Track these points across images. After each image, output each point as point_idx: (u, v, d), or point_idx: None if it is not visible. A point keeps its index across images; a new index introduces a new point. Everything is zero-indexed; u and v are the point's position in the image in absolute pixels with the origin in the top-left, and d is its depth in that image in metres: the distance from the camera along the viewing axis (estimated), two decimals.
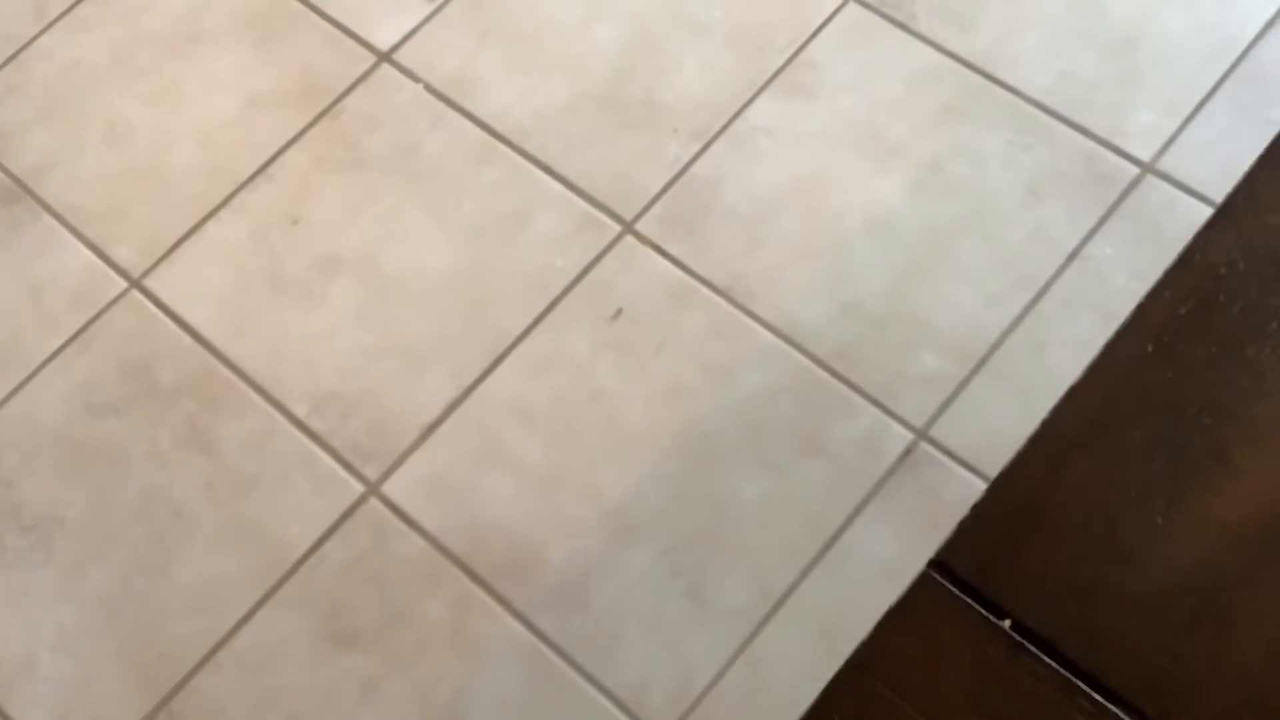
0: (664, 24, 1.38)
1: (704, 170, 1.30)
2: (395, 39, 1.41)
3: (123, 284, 1.31)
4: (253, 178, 1.35)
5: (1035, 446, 0.63)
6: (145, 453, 1.22)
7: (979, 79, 1.31)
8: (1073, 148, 1.27)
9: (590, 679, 1.10)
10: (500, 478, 1.18)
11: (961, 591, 0.61)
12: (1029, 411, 1.11)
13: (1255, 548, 0.60)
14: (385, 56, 1.40)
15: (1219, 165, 1.24)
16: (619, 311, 1.24)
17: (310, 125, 1.37)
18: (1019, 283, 1.21)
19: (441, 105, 1.37)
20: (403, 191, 1.33)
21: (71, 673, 1.14)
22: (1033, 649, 0.59)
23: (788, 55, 1.35)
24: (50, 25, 1.46)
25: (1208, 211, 1.21)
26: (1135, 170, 1.25)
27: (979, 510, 0.63)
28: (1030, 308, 1.20)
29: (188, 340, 1.27)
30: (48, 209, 1.35)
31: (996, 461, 0.99)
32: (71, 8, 1.46)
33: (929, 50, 1.33)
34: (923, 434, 1.16)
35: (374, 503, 1.18)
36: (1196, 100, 1.27)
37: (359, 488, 1.19)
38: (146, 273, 1.31)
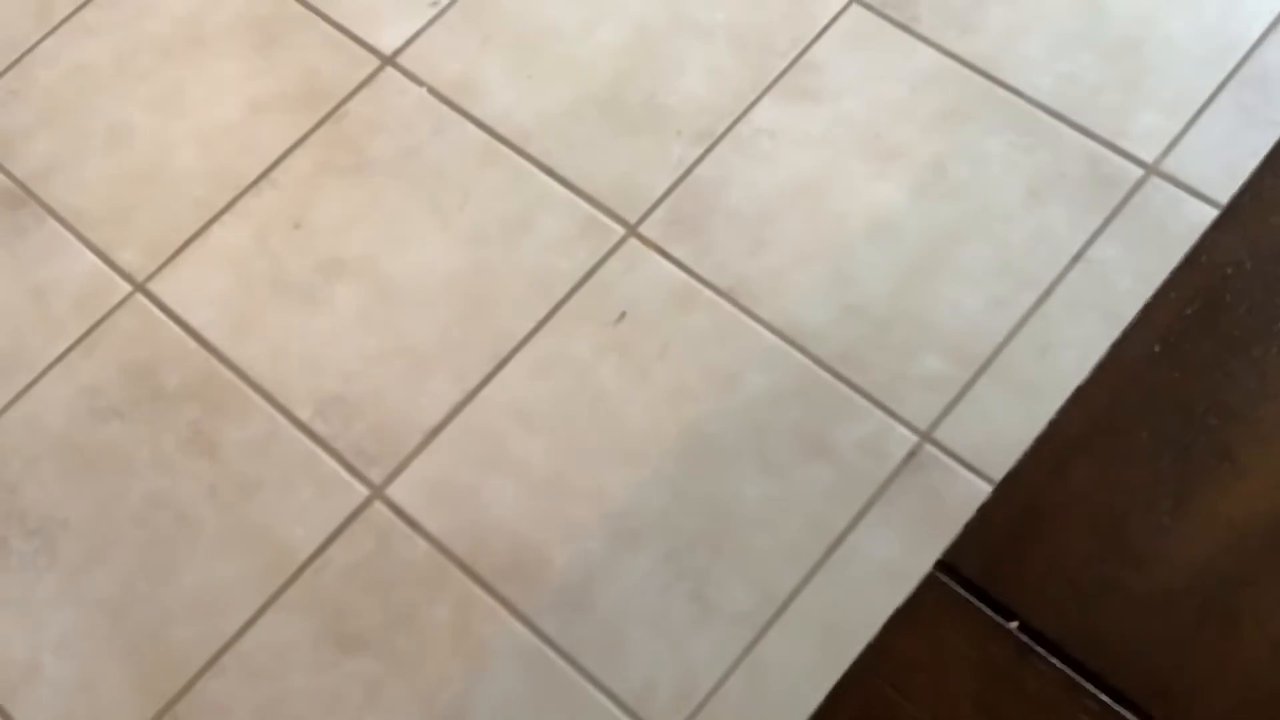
0: (666, 27, 1.38)
1: (707, 173, 1.30)
2: (398, 43, 1.41)
3: (127, 288, 1.31)
4: (256, 182, 1.35)
5: (1042, 446, 0.63)
6: (149, 456, 1.22)
7: (982, 81, 1.31)
8: (1076, 149, 1.27)
9: (594, 681, 1.10)
10: (504, 480, 1.18)
11: (968, 593, 0.61)
12: (1033, 414, 1.11)
13: (1262, 548, 0.60)
14: (388, 60, 1.40)
15: (1222, 167, 1.24)
16: (622, 314, 1.24)
17: (313, 129, 1.37)
18: (1022, 284, 1.21)
19: (445, 109, 1.37)
20: (406, 195, 1.33)
21: (75, 676, 1.14)
22: (1039, 650, 0.59)
23: (790, 58, 1.35)
24: (53, 30, 1.46)
25: (1211, 213, 1.21)
26: (1139, 172, 1.25)
27: (986, 511, 0.63)
28: (1034, 310, 1.20)
29: (191, 344, 1.27)
30: (52, 213, 1.35)
31: (1000, 464, 0.99)
32: (75, 12, 1.47)
33: (932, 52, 1.33)
34: (926, 436, 1.16)
35: (378, 506, 1.18)
36: (1200, 102, 1.27)
37: (363, 491, 1.19)
38: (150, 277, 1.31)
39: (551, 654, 1.11)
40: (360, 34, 1.42)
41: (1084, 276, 1.21)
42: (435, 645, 1.12)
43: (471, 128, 1.35)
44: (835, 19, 1.36)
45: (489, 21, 1.41)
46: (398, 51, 1.41)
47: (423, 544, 1.16)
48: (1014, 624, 0.60)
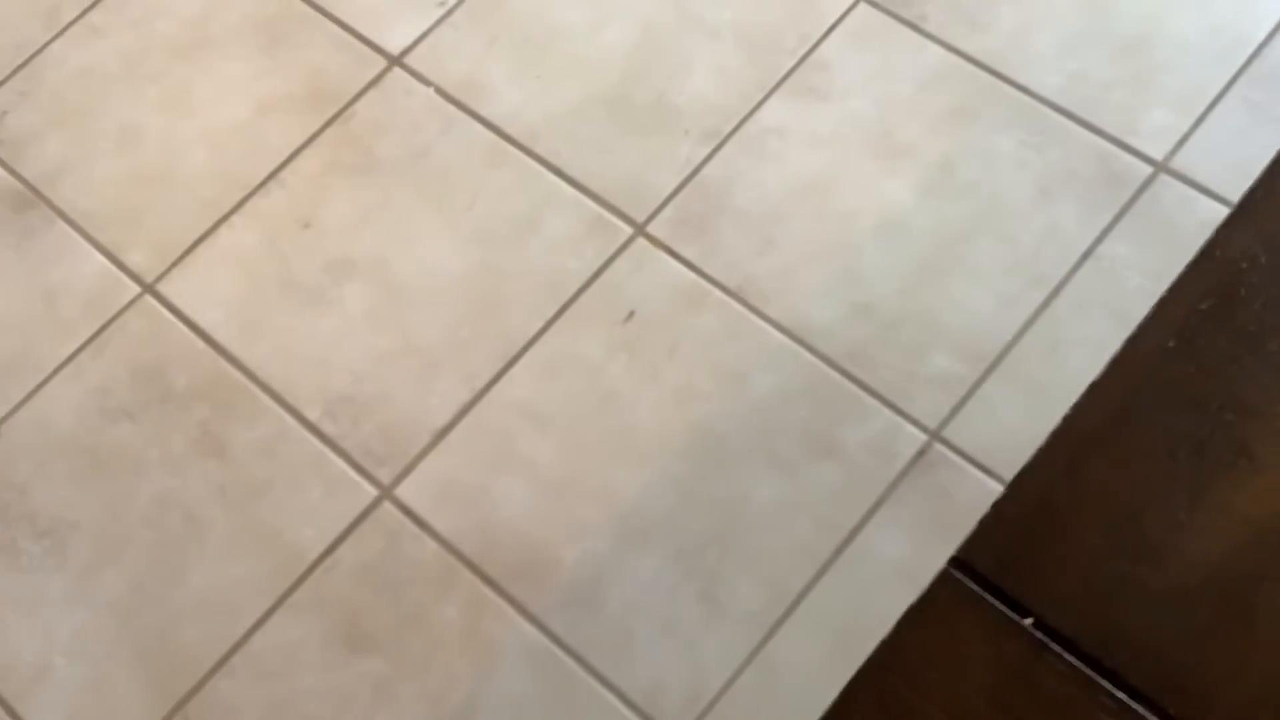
0: (674, 26, 1.38)
1: (715, 172, 1.30)
2: (406, 43, 1.41)
3: (136, 289, 1.31)
4: (264, 183, 1.35)
5: (1056, 442, 0.63)
6: (158, 457, 1.22)
7: (990, 79, 1.31)
8: (1085, 147, 1.26)
9: (603, 681, 1.10)
10: (512, 480, 1.18)
11: (983, 589, 0.60)
12: (1043, 412, 1.11)
13: (1279, 544, 0.60)
14: (396, 61, 1.40)
15: (1232, 164, 1.23)
16: (631, 314, 1.24)
17: (321, 130, 1.37)
18: (1032, 283, 1.21)
19: (452, 109, 1.37)
20: (414, 195, 1.33)
21: (85, 677, 1.14)
22: (1054, 647, 0.59)
23: (798, 56, 1.35)
24: (61, 32, 1.46)
25: (1221, 210, 1.21)
26: (1148, 169, 1.25)
27: (1000, 507, 0.62)
28: (1043, 308, 1.20)
29: (200, 345, 1.27)
30: (61, 215, 1.36)
31: (1010, 462, 0.99)
32: (82, 14, 1.47)
33: (940, 50, 1.33)
34: (936, 435, 1.15)
35: (387, 506, 1.18)
36: (1209, 99, 1.27)
37: (372, 491, 1.19)
38: (159, 278, 1.31)
39: (560, 654, 1.11)
40: (367, 34, 1.42)
41: (1093, 274, 1.21)
42: (444, 645, 1.12)
43: (479, 128, 1.35)
44: (843, 17, 1.36)
45: (496, 21, 1.41)
46: (405, 52, 1.41)
47: (431, 544, 1.16)
48: (1029, 620, 0.60)
